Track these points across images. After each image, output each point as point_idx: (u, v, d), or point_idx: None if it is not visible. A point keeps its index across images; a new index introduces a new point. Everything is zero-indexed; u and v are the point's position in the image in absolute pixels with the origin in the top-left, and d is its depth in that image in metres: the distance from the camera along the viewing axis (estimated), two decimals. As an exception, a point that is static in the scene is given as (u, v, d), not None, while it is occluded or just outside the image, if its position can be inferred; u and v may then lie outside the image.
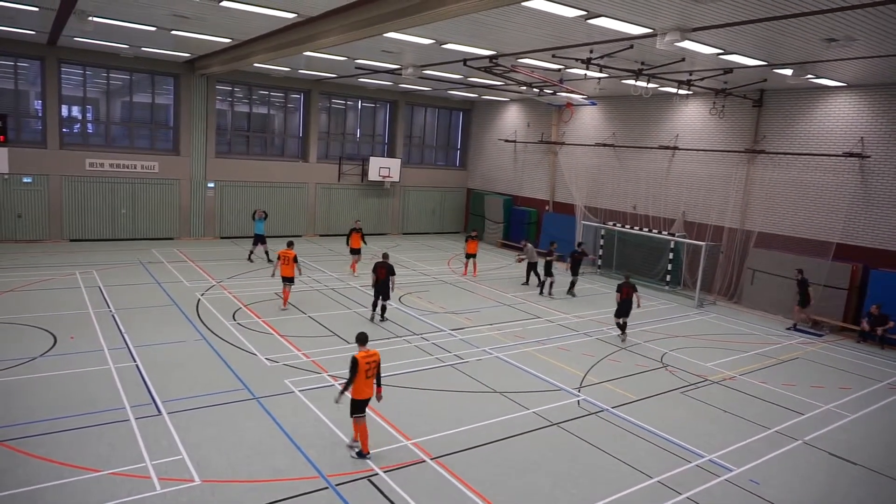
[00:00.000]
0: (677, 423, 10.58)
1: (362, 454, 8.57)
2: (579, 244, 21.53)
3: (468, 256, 21.63)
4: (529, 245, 20.95)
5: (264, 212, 21.71)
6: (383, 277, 15.08)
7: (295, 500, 7.52)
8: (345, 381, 8.55)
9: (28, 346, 11.94)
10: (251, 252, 21.68)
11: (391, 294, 15.45)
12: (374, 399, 8.66)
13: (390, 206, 30.65)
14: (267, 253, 21.47)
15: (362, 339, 8.60)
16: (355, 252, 20.50)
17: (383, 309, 15.42)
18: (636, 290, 15.17)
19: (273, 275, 17.01)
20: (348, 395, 8.49)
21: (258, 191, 26.58)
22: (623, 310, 15.05)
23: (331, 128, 29.20)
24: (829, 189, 18.63)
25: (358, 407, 8.49)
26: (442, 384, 11.55)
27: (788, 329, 17.53)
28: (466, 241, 21.90)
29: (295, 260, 15.79)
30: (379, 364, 8.62)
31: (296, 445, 8.82)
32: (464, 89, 26.16)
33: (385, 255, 15.84)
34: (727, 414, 11.16)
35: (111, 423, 9.07)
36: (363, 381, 8.38)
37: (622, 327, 15.24)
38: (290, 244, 16.42)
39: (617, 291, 15.24)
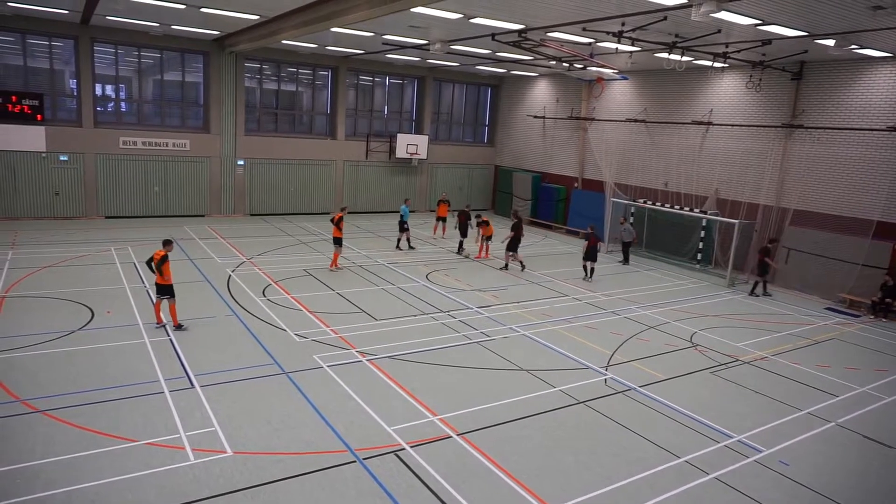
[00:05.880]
0: (706, 403, 10.47)
1: (158, 325, 12.18)
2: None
3: (439, 219, 24.06)
4: (628, 225, 21.54)
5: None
6: (462, 221, 21.26)
7: (323, 472, 7.67)
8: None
9: (67, 320, 12.33)
10: (401, 240, 21.40)
11: (468, 232, 21.52)
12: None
13: (418, 184, 30.61)
14: (409, 240, 21.38)
15: (166, 242, 12.28)
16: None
17: (462, 244, 21.24)
18: (601, 240, 18.25)
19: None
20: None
21: (287, 168, 26.77)
22: (590, 255, 18.28)
23: (358, 104, 29.15)
24: (870, 165, 17.97)
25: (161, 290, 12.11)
26: (469, 361, 11.60)
27: (501, 269, 19.09)
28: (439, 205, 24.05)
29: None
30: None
31: (324, 419, 8.97)
32: (492, 64, 25.80)
33: (467, 206, 22.57)
34: (757, 395, 10.99)
35: (146, 396, 9.34)
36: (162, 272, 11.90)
37: (591, 271, 18.45)
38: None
39: (585, 240, 18.52)
